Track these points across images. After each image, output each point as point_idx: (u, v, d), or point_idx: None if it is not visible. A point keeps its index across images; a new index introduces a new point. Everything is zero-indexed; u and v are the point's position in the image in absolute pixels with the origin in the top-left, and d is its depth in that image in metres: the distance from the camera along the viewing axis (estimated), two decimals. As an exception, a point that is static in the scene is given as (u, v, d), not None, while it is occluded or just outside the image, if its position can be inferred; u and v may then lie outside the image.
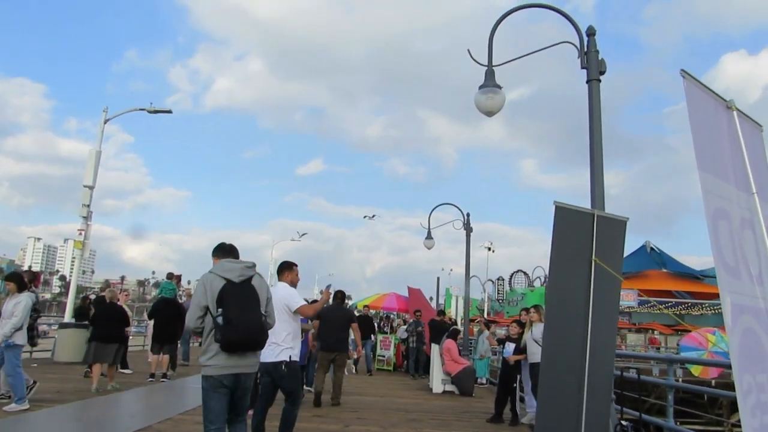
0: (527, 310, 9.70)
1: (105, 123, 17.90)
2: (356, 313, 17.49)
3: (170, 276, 13.82)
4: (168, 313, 11.92)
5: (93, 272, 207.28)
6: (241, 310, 4.25)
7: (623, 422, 5.52)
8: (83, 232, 16.69)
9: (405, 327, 18.56)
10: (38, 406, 7.90)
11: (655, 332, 41.22)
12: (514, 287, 59.82)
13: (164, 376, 11.84)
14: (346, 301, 15.73)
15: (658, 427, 6.48)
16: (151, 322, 12.86)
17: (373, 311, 22.97)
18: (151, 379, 11.48)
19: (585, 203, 6.36)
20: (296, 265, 6.31)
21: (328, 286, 6.91)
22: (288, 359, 5.62)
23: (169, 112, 18.64)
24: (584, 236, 5.42)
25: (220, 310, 4.20)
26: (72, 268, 17.88)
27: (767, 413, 2.67)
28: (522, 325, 9.39)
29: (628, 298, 38.62)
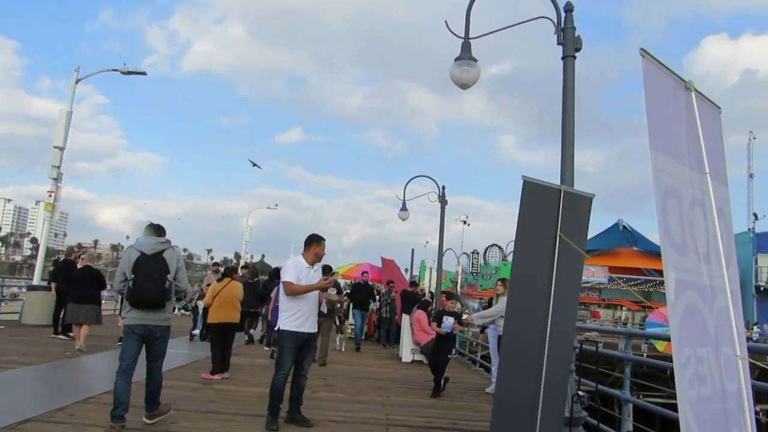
0: (503, 281, 9.79)
1: (77, 83, 17.49)
2: (340, 281, 17.57)
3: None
4: None
5: (65, 235, 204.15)
6: (145, 276, 5.40)
7: (580, 392, 5.69)
8: (53, 194, 16.42)
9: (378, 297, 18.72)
10: (3, 368, 7.87)
11: (623, 308, 42.19)
12: (488, 261, 60.45)
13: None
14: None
15: (617, 397, 6.68)
16: None
17: (346, 280, 23.11)
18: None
19: (557, 179, 6.45)
20: (320, 240, 6.28)
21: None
22: (277, 328, 6.18)
23: (143, 73, 18.28)
24: (550, 211, 5.50)
25: (132, 275, 5.37)
26: (43, 231, 17.61)
27: (704, 385, 2.79)
28: (453, 297, 9.72)
29: (598, 275, 39.38)
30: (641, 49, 2.77)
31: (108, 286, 13.57)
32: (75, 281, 11.36)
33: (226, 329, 8.99)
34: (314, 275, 6.14)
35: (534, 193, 5.45)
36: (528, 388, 5.38)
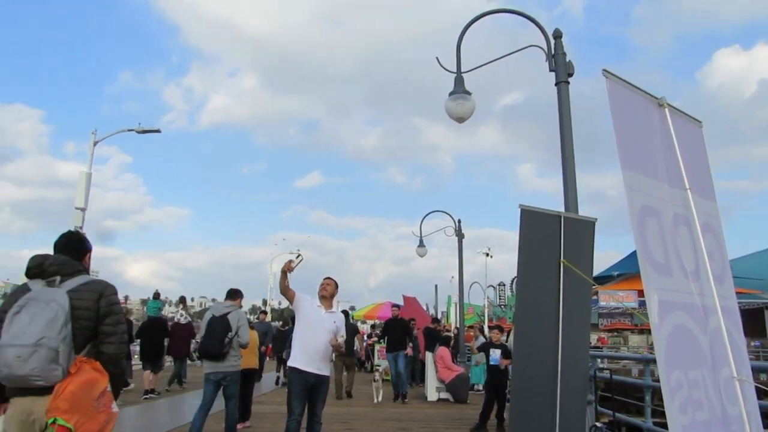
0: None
1: (95, 145, 17.98)
2: (356, 323, 17.31)
3: (156, 295, 14.44)
4: (150, 331, 12.20)
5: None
6: (208, 335, 6.90)
7: (597, 423, 5.50)
8: (77, 254, 16.71)
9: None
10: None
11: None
12: (515, 292, 59.60)
13: (151, 391, 11.89)
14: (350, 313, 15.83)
15: (638, 427, 6.44)
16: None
17: (369, 321, 22.95)
18: (145, 396, 11.59)
19: (582, 205, 6.36)
20: (325, 280, 6.24)
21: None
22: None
23: (158, 131, 18.70)
24: (551, 238, 5.43)
25: (202, 334, 7.04)
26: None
27: (700, 410, 2.66)
28: (503, 329, 9.38)
29: (628, 300, 38.40)
30: (604, 70, 2.75)
31: (135, 341, 13.80)
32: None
33: (245, 376, 8.92)
34: (326, 316, 6.05)
35: (533, 221, 5.39)
36: (544, 419, 5.23)
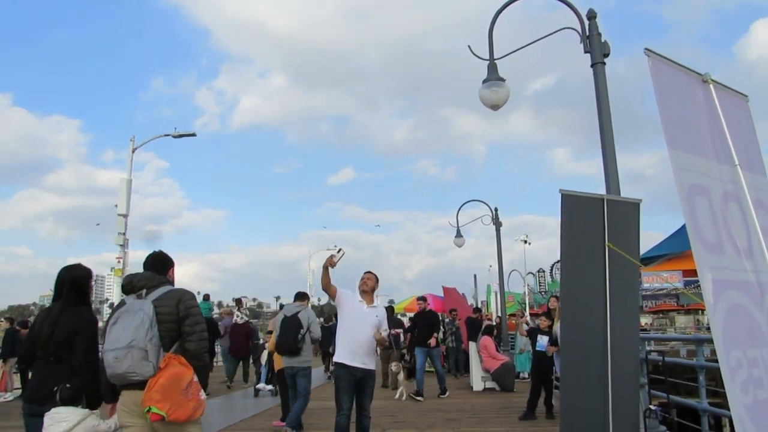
0: (557, 297, 9.56)
1: (133, 152, 18.45)
2: (400, 317, 17.32)
3: (206, 297, 15.36)
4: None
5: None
6: (283, 333, 7.80)
7: (652, 406, 5.42)
8: (121, 260, 17.21)
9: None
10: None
11: (704, 312, 40.06)
12: (555, 278, 58.90)
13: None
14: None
15: (693, 409, 6.32)
16: None
17: (410, 313, 22.96)
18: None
19: (625, 186, 6.26)
20: (365, 275, 6.31)
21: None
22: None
23: (193, 135, 19.08)
24: (595, 222, 5.35)
25: (278, 333, 7.94)
26: (117, 296, 18.46)
27: (761, 388, 2.61)
28: (550, 315, 9.28)
29: (672, 280, 37.59)
30: (645, 48, 2.71)
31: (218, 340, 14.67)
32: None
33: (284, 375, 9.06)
34: (368, 311, 6.10)
35: (575, 206, 5.33)
36: (596, 405, 5.18)
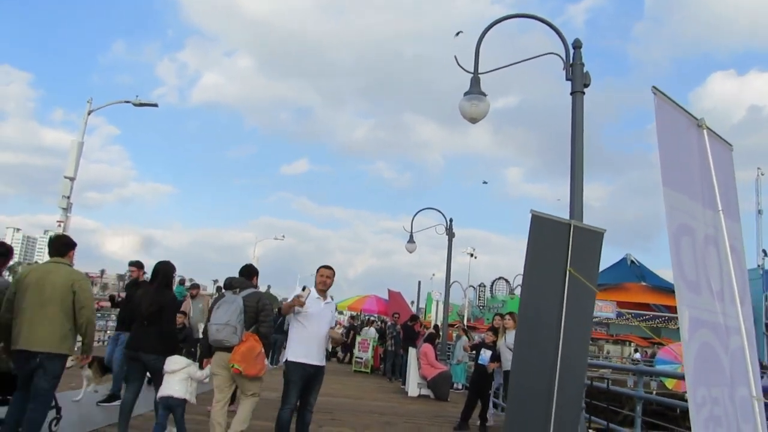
0: (501, 315, 9.75)
1: (89, 114, 17.75)
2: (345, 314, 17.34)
3: (182, 281, 15.66)
4: None
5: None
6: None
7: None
8: (62, 224, 16.51)
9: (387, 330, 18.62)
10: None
11: (632, 344, 41.60)
12: (495, 294, 59.97)
13: None
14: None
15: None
16: None
17: (350, 312, 22.99)
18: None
19: (566, 213, 6.43)
20: (326, 272, 6.15)
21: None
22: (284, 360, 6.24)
23: (155, 105, 18.52)
24: (560, 246, 5.47)
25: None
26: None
27: (720, 426, 2.73)
28: (496, 332, 9.43)
29: (606, 310, 38.96)
30: (653, 87, 2.79)
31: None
32: None
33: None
34: (325, 308, 6.03)
35: (543, 228, 5.44)
36: (537, 426, 5.28)
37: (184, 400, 5.64)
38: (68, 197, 16.93)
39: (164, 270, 6.23)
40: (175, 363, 5.68)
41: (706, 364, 2.77)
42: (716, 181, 3.05)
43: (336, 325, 6.23)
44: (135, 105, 18.06)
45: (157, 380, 5.89)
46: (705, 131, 3.13)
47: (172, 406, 5.63)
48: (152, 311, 5.88)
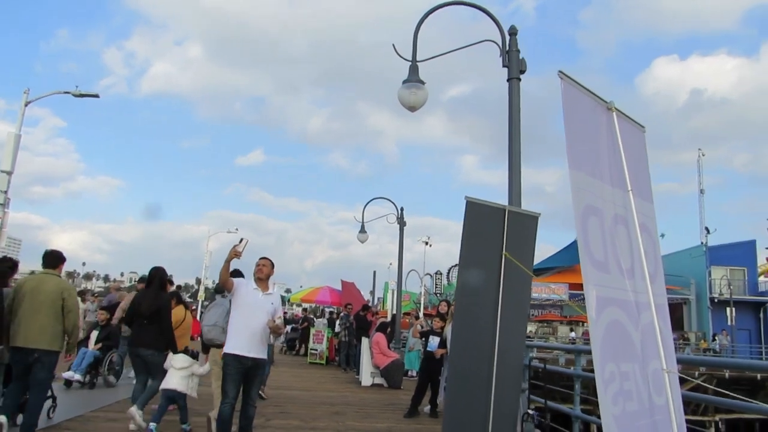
0: (447, 302, 9.85)
1: (26, 105, 17.11)
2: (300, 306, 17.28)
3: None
4: None
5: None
6: None
7: (530, 411, 5.71)
8: (0, 220, 15.91)
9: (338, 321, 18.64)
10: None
11: (584, 324, 42.69)
12: (451, 281, 60.63)
13: None
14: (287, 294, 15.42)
15: (566, 415, 6.72)
16: None
17: (306, 305, 22.91)
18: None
19: (525, 199, 6.53)
20: (261, 261, 6.12)
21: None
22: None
23: (96, 96, 17.93)
24: (495, 231, 5.55)
25: None
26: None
27: (630, 400, 2.82)
28: (444, 318, 9.53)
29: (559, 292, 39.82)
30: (559, 71, 2.84)
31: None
32: None
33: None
34: (263, 298, 5.97)
35: (478, 213, 5.50)
36: (478, 405, 5.37)
37: (185, 394, 6.49)
38: (5, 192, 16.30)
39: (159, 274, 7.04)
40: (181, 361, 6.52)
41: (614, 340, 2.85)
42: (626, 161, 3.12)
43: (281, 315, 6.11)
44: (75, 96, 17.47)
45: (155, 373, 6.71)
46: (614, 114, 3.20)
47: (175, 398, 6.47)
48: (151, 312, 6.69)
